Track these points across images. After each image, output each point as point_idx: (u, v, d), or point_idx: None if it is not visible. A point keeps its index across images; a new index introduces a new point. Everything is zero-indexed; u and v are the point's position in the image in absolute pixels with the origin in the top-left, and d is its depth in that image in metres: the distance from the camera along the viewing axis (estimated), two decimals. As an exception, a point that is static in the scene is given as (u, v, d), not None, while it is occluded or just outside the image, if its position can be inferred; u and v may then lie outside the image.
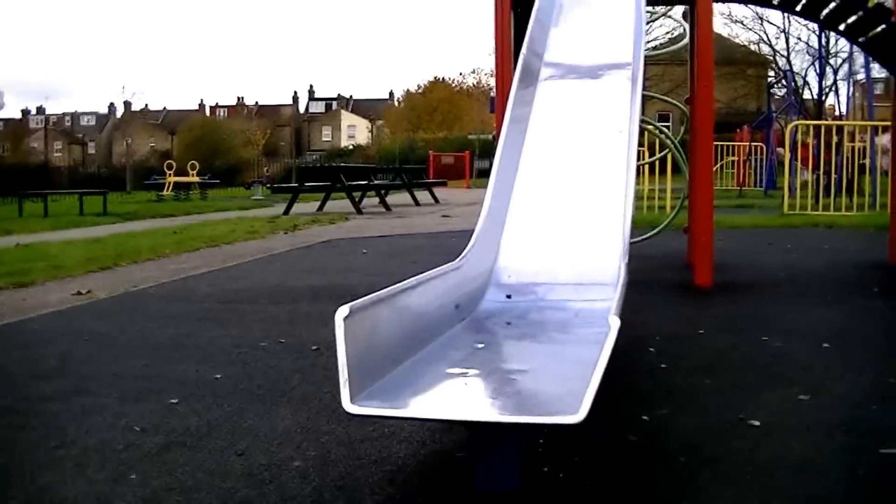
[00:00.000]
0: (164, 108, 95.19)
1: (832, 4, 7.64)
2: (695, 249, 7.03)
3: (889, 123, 9.57)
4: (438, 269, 3.59)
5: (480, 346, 3.44)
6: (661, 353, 4.38)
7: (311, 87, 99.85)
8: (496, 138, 5.12)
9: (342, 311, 2.49)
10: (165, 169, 33.61)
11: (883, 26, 7.42)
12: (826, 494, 2.54)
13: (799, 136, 18.44)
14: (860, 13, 7.47)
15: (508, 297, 4.09)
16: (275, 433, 3.19)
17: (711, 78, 6.83)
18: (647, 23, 14.07)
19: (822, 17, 8.11)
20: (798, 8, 7.94)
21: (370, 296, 2.79)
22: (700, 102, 6.86)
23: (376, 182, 21.42)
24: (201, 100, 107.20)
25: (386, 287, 2.99)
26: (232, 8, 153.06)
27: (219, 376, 4.05)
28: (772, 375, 3.94)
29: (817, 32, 23.14)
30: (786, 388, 3.69)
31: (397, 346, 2.95)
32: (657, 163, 13.06)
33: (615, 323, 2.39)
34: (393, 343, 2.91)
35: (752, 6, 24.22)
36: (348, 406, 2.36)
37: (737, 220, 12.15)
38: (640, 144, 12.57)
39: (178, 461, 2.92)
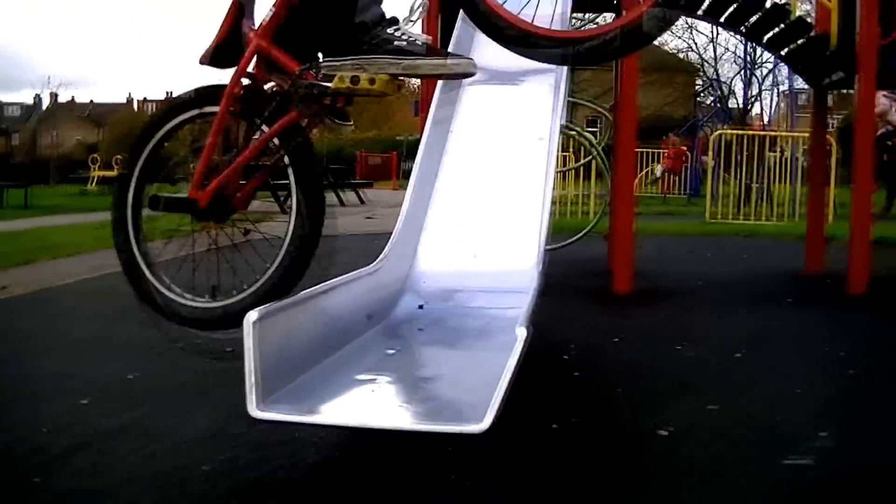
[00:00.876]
0: (91, 100, 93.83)
1: (755, 17, 7.73)
2: (614, 256, 7.08)
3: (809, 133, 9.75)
4: (353, 273, 3.58)
5: (392, 352, 3.43)
6: (575, 361, 4.41)
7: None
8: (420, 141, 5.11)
9: (251, 316, 2.48)
10: (90, 163, 33.02)
11: (803, 39, 7.54)
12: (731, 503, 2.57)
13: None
14: (782, 26, 7.57)
15: (420, 307, 4.07)
16: (186, 436, 3.17)
17: (635, 85, 6.89)
18: (577, 28, 14.15)
19: (745, 29, 8.21)
20: (723, 19, 8.02)
21: (281, 300, 2.78)
22: (623, 109, 6.91)
23: (302, 181, 21.17)
24: (129, 93, 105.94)
25: (303, 290, 2.98)
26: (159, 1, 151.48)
27: (133, 376, 4.00)
28: (684, 384, 3.98)
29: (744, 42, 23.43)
30: (697, 397, 3.73)
31: (308, 351, 2.93)
32: (582, 168, 13.15)
33: (522, 333, 2.40)
34: (303, 348, 2.90)
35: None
36: (254, 411, 2.35)
37: (659, 226, 12.25)
38: (566, 149, 12.64)
39: (86, 464, 2.89)
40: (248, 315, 2.48)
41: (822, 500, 2.65)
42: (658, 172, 21.35)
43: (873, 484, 2.83)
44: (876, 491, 2.78)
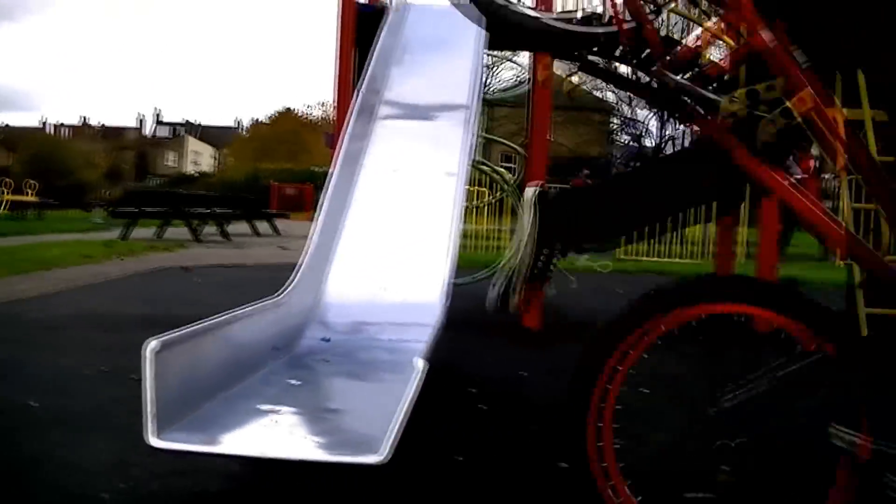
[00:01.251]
0: (6, 124, 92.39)
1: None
2: (524, 292, 7.11)
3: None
4: (258, 303, 3.57)
5: (296, 383, 3.43)
6: (482, 395, 4.42)
7: (159, 110, 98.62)
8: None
9: (153, 345, 2.47)
10: (2, 186, 32.44)
11: (713, 84, 7.69)
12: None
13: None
14: (695, 70, 7.72)
15: (327, 340, 4.07)
16: (86, 465, 3.13)
17: (547, 123, 6.96)
18: (494, 66, 14.23)
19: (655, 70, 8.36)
20: (636, 61, 8.14)
21: (184, 329, 2.77)
22: (535, 146, 6.97)
23: (216, 211, 21.10)
24: (45, 117, 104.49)
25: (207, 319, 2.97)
26: (78, 27, 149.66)
27: (35, 404, 3.94)
28: (585, 419, 4.00)
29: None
30: (600, 431, 3.75)
31: (210, 380, 2.93)
32: (496, 203, 13.21)
33: (420, 366, 2.42)
34: (206, 378, 2.89)
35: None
36: (152, 440, 2.33)
37: (570, 263, 12.30)
38: (482, 185, 12.71)
39: (-21, 494, 2.84)
40: (148, 344, 2.47)
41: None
42: None
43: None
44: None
